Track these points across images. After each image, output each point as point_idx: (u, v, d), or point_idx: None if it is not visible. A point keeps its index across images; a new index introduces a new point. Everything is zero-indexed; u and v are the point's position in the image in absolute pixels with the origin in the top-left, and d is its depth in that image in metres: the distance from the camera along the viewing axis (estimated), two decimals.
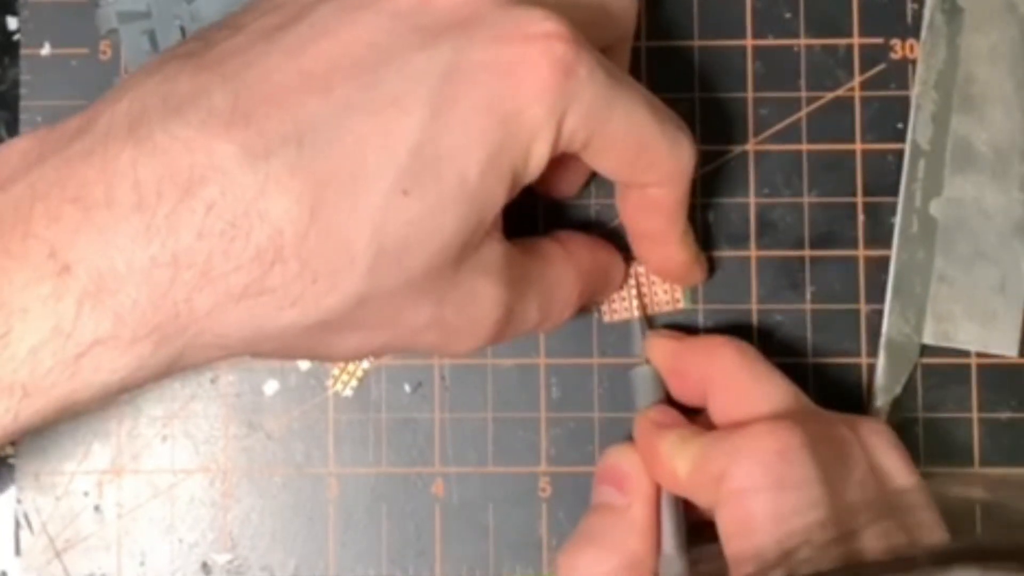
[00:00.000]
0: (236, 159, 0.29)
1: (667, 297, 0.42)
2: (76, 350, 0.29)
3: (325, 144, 0.30)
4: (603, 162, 0.35)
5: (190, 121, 0.30)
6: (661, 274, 0.41)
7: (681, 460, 0.35)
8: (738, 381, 0.37)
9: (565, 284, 0.38)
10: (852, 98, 0.43)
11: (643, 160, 0.35)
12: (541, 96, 0.31)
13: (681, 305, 0.42)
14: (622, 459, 0.38)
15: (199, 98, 0.30)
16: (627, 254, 0.41)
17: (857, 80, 0.43)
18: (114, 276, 0.29)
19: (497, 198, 0.32)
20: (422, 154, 0.30)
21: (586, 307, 0.41)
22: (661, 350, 0.40)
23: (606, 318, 0.42)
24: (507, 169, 0.32)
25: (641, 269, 0.42)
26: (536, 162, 0.32)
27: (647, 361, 0.40)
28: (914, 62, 0.43)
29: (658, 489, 0.37)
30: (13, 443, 0.42)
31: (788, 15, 0.43)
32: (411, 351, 0.37)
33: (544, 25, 0.32)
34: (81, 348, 0.29)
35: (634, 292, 0.42)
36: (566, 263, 0.38)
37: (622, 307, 0.42)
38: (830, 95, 0.43)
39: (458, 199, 0.31)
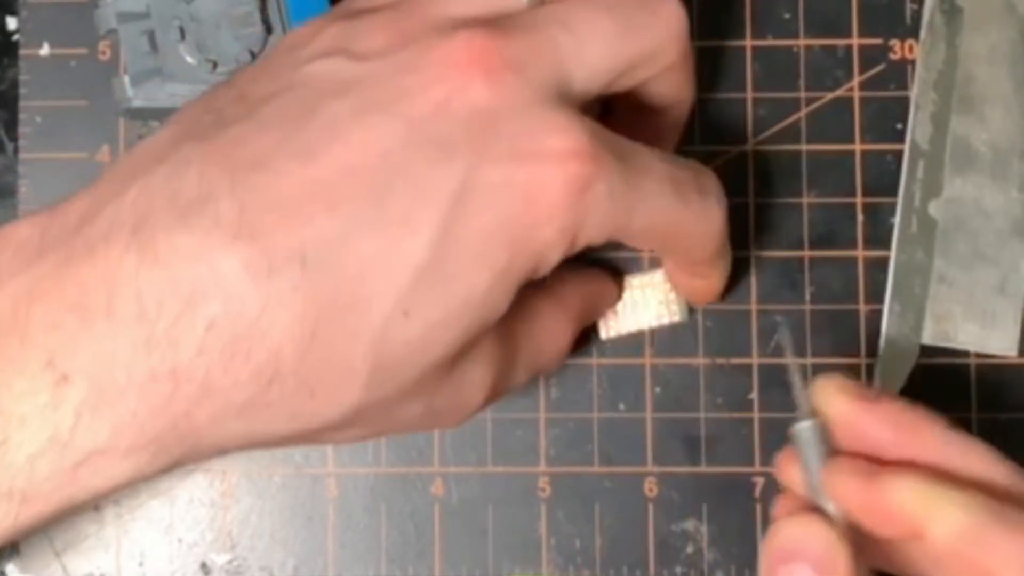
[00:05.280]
0: (239, 276, 0.29)
1: (664, 310, 0.42)
2: (74, 458, 0.29)
3: (329, 264, 0.29)
4: (629, 244, 0.35)
5: (195, 229, 0.29)
6: (684, 291, 0.41)
7: (944, 516, 0.29)
8: (948, 459, 0.31)
9: (556, 336, 0.38)
10: (852, 98, 0.43)
11: (671, 240, 0.35)
12: (553, 218, 0.31)
13: (678, 319, 0.42)
14: (810, 532, 0.31)
15: (206, 204, 0.29)
16: (615, 267, 0.42)
17: (857, 80, 0.43)
18: (113, 387, 0.29)
19: (501, 308, 0.32)
20: (427, 275, 0.30)
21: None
22: (840, 407, 0.32)
23: (603, 335, 0.42)
24: (514, 283, 0.31)
25: (636, 282, 0.42)
26: (547, 268, 0.32)
27: (811, 413, 0.33)
28: (913, 62, 0.43)
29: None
30: None
31: (788, 15, 0.43)
32: (400, 433, 0.37)
33: (562, 141, 0.30)
34: (79, 457, 0.29)
35: (629, 308, 0.42)
36: (555, 314, 0.38)
37: (619, 324, 0.42)
38: (830, 95, 0.43)
39: (460, 317, 0.31)
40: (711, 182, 0.35)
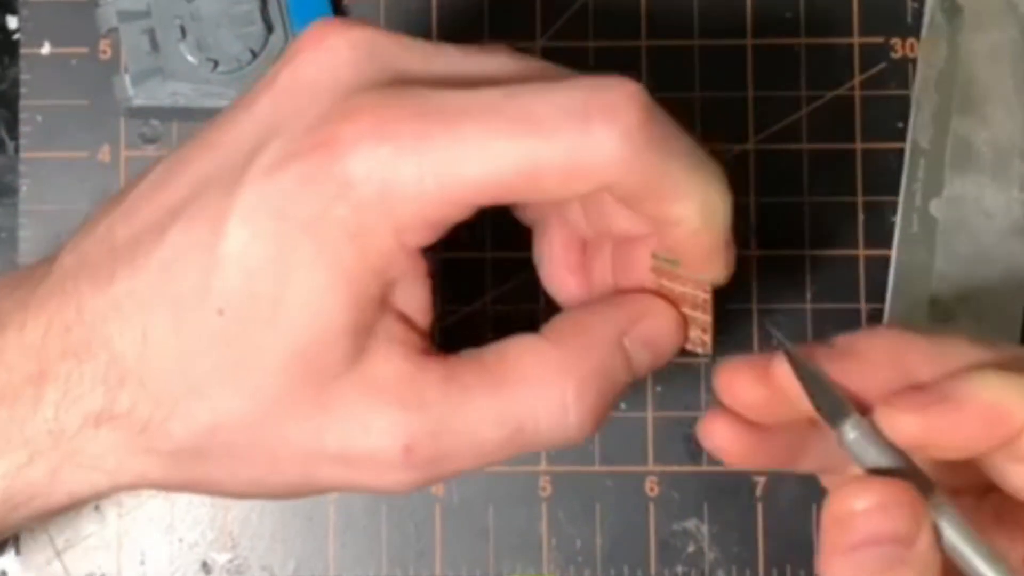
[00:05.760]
0: (88, 283, 0.30)
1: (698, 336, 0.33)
2: None
3: (152, 266, 0.30)
4: (510, 201, 0.30)
5: (75, 249, 0.31)
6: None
7: None
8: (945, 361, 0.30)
9: (541, 393, 0.30)
10: (852, 98, 0.43)
11: (544, 185, 0.29)
12: (344, 192, 0.28)
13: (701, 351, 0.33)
14: (887, 491, 0.28)
15: (92, 232, 0.31)
16: None
17: (857, 80, 0.43)
18: None
19: (337, 313, 0.29)
20: (234, 273, 0.29)
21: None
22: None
23: (700, 350, 0.33)
24: (338, 280, 0.29)
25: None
26: (386, 258, 0.29)
27: (848, 415, 0.29)
28: (914, 61, 0.43)
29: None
30: None
31: (788, 15, 0.43)
32: (325, 491, 0.32)
33: (349, 117, 0.28)
34: None
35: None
36: (542, 365, 0.30)
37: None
38: (830, 95, 0.43)
39: (273, 321, 0.29)
40: (604, 99, 0.28)
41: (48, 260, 0.32)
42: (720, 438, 0.31)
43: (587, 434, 0.31)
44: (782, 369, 0.29)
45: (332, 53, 0.30)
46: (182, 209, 0.30)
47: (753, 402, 0.30)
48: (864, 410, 0.29)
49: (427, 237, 0.29)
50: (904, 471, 0.28)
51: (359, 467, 0.30)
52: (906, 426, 0.28)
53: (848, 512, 0.28)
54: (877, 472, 0.28)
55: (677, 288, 0.32)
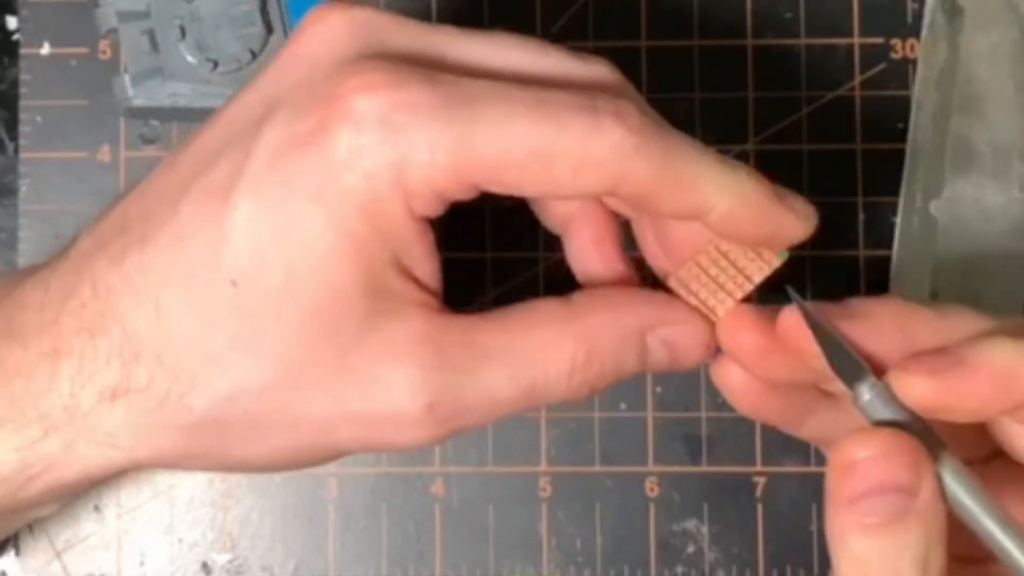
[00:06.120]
0: (103, 261, 0.31)
1: (755, 263, 0.33)
2: None
3: (162, 240, 0.30)
4: (519, 187, 0.30)
5: (92, 231, 0.32)
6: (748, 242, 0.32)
7: None
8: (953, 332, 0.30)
9: (553, 352, 0.31)
10: (852, 98, 0.43)
11: (553, 170, 0.29)
12: (349, 162, 0.29)
13: (777, 263, 0.33)
14: (887, 440, 0.28)
15: (108, 214, 0.32)
16: None
17: (857, 80, 0.43)
18: (12, 365, 0.31)
19: (348, 277, 0.30)
20: (244, 243, 0.30)
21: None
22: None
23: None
24: (348, 246, 0.29)
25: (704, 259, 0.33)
26: (398, 223, 0.30)
27: (867, 375, 0.29)
28: (914, 62, 0.43)
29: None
30: None
31: (788, 15, 0.43)
32: (342, 454, 0.33)
33: (350, 79, 0.29)
34: None
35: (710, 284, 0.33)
36: (559, 327, 0.31)
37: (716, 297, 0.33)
38: (830, 95, 0.43)
39: (287, 288, 0.30)
40: (608, 99, 0.30)
41: (68, 245, 0.33)
42: (733, 378, 0.31)
43: (580, 399, 0.32)
44: (796, 323, 0.30)
45: (331, 30, 0.31)
46: (191, 183, 0.30)
47: (752, 350, 0.31)
48: (877, 372, 0.29)
49: (433, 208, 0.30)
50: (917, 432, 0.28)
51: (380, 426, 0.31)
52: (920, 389, 0.28)
53: (850, 461, 0.28)
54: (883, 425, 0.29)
55: (742, 259, 0.32)
